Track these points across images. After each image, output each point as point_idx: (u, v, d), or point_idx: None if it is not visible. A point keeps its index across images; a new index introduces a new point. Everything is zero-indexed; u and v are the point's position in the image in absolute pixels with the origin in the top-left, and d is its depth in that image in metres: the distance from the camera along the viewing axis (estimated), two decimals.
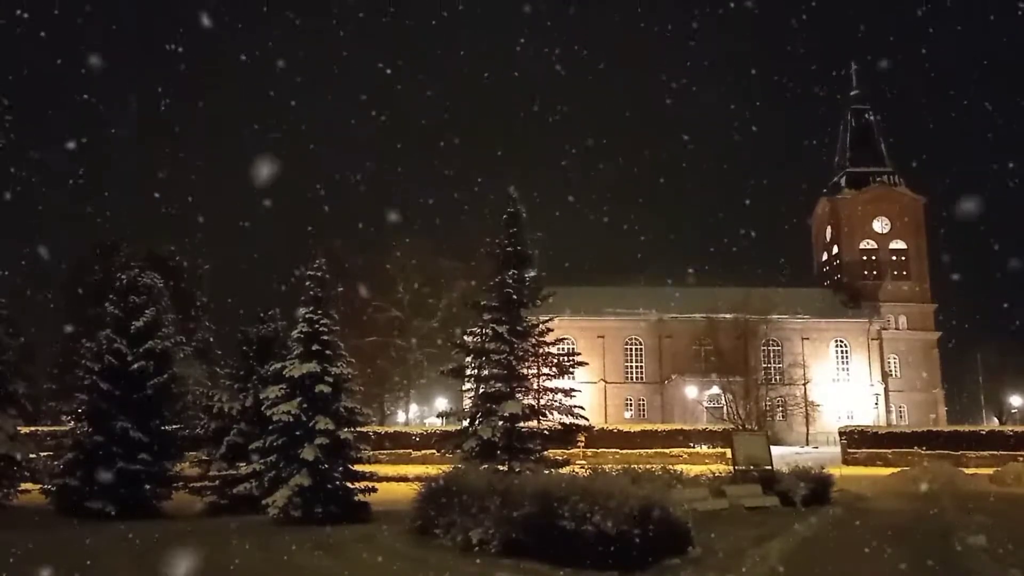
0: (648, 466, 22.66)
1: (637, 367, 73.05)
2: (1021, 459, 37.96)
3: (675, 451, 45.53)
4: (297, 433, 21.72)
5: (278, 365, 23.49)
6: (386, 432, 48.14)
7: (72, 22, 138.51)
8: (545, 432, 27.02)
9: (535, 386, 27.55)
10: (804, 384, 65.85)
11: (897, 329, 74.51)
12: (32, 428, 37.51)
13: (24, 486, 26.40)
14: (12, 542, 16.71)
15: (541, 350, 27.92)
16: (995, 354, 73.09)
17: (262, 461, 22.50)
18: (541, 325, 27.73)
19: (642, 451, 43.23)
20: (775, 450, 28.76)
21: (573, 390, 28.20)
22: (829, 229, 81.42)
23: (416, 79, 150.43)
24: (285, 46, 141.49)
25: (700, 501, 19.53)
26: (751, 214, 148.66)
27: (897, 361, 73.99)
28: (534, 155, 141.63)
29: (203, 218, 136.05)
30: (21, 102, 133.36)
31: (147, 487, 25.02)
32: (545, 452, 26.96)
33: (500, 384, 26.64)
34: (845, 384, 71.41)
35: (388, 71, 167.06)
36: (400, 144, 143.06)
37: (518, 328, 27.18)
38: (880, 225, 77.35)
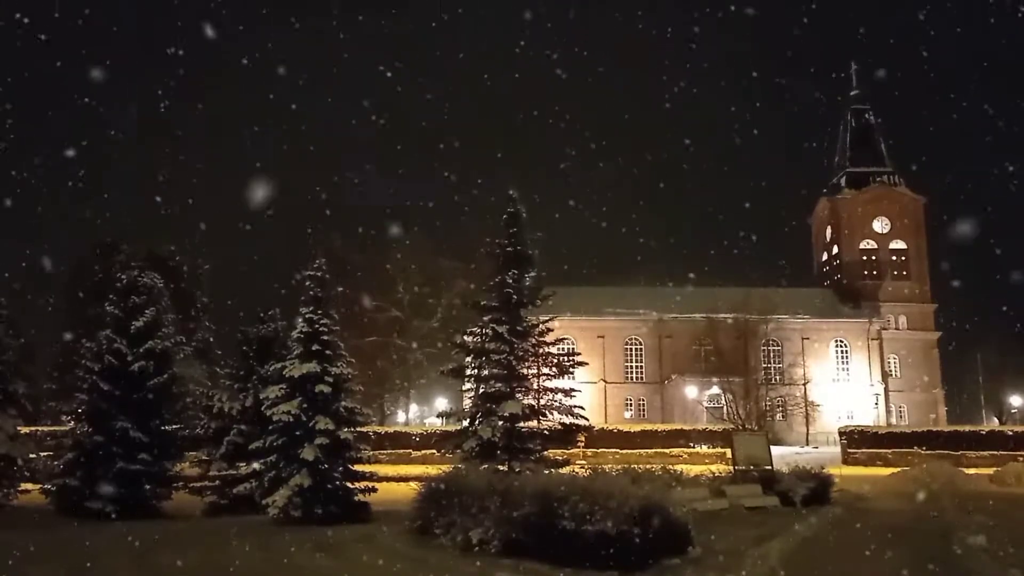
0: (648, 466, 22.68)
1: (637, 367, 73.08)
2: (1021, 459, 37.95)
3: (675, 451, 45.56)
4: (297, 433, 21.72)
5: (278, 365, 23.52)
6: (386, 432, 48.17)
7: (73, 24, 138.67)
8: (545, 432, 27.01)
9: (535, 386, 27.53)
10: (804, 384, 65.89)
11: (897, 329, 74.52)
12: (32, 428, 37.53)
13: (24, 486, 26.43)
14: (12, 542, 16.71)
15: (541, 350, 27.91)
16: (995, 354, 73.08)
17: (262, 461, 22.49)
18: (541, 325, 27.72)
19: (642, 451, 43.24)
20: (775, 450, 28.76)
21: (573, 390, 28.19)
22: (829, 229, 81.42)
23: (416, 81, 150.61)
24: (285, 48, 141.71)
25: (700, 501, 19.52)
26: (751, 216, 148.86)
27: (897, 361, 73.99)
28: (534, 157, 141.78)
29: (203, 219, 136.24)
30: (22, 105, 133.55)
31: (147, 487, 25.01)
32: (545, 452, 26.95)
33: (500, 384, 26.63)
34: (845, 384, 71.44)
35: (388, 73, 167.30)
36: (400, 146, 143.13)
37: (518, 328, 27.17)
38: (880, 225, 77.37)
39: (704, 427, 52.05)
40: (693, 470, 26.19)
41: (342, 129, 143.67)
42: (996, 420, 74.61)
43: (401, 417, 70.41)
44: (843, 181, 79.18)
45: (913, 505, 24.12)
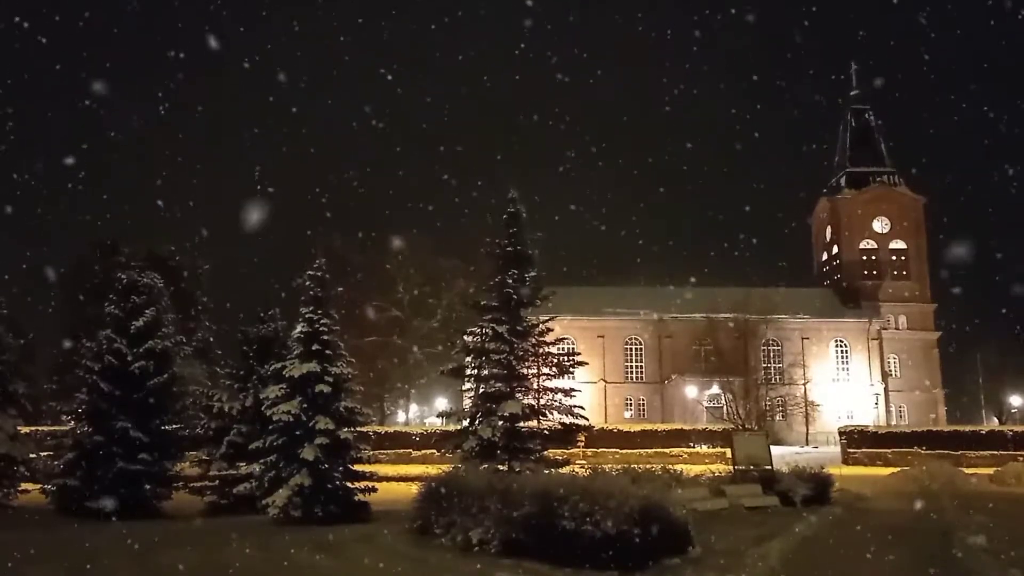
0: (648, 466, 22.69)
1: (637, 367, 73.06)
2: (1021, 459, 38.03)
3: (675, 451, 45.58)
4: (297, 433, 21.73)
5: (278, 365, 23.52)
6: (386, 432, 48.17)
7: (73, 27, 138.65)
8: (545, 432, 27.01)
9: (535, 386, 27.54)
10: (804, 384, 65.91)
11: (897, 329, 74.49)
12: (32, 428, 37.49)
13: (24, 486, 26.46)
14: (12, 542, 16.73)
15: (541, 350, 27.91)
16: (995, 354, 73.08)
17: (262, 461, 22.49)
18: (541, 325, 27.73)
19: (642, 451, 43.25)
20: (775, 450, 28.75)
21: (573, 390, 28.19)
22: (829, 229, 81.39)
23: (416, 83, 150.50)
24: (286, 51, 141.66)
25: (700, 501, 19.51)
26: (751, 216, 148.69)
27: (897, 361, 73.97)
28: (534, 158, 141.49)
29: (203, 220, 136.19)
30: (22, 107, 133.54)
31: (147, 487, 25.05)
32: (545, 452, 26.95)
33: (500, 384, 26.64)
34: (845, 384, 71.43)
35: (388, 76, 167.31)
36: (400, 148, 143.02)
37: (518, 328, 27.17)
38: (880, 225, 77.35)
39: (704, 427, 52.08)
40: (693, 470, 26.22)
41: (342, 131, 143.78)
42: (996, 420, 74.58)
43: (401, 417, 70.44)
44: (843, 181, 79.14)
45: (913, 505, 24.11)
